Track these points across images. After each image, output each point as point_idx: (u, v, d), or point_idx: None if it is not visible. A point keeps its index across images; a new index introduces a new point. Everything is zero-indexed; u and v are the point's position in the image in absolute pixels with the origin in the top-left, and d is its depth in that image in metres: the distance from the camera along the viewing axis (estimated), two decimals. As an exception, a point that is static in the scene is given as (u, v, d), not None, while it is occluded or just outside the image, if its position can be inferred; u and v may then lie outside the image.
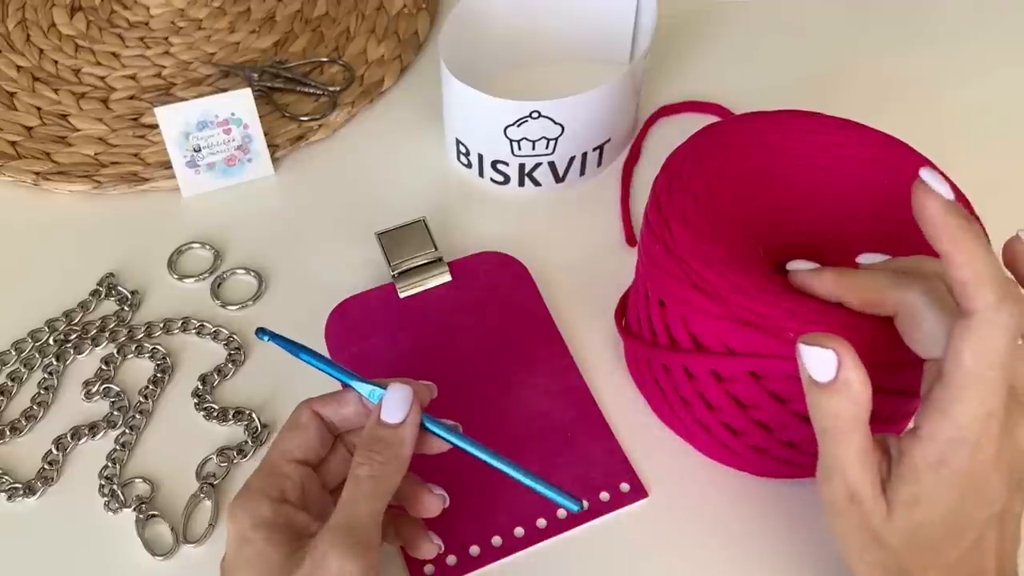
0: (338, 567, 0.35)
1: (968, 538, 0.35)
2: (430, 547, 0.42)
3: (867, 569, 0.36)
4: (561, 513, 0.45)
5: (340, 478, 0.41)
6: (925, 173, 0.33)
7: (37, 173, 0.59)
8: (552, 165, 0.57)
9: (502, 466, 0.40)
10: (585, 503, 0.39)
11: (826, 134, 0.46)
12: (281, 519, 0.37)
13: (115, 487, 0.46)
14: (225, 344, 0.52)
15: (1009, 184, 0.58)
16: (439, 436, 0.40)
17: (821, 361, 0.34)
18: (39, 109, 0.63)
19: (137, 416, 0.49)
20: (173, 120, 0.56)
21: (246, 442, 0.48)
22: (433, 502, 0.41)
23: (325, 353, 0.51)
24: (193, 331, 0.52)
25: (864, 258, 0.39)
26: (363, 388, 0.40)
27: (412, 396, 0.39)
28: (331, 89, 0.63)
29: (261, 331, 0.41)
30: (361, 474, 0.37)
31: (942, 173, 0.34)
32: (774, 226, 0.44)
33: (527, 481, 0.39)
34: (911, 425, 0.35)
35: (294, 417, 0.40)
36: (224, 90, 0.58)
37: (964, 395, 0.32)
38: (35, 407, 0.50)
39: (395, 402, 0.39)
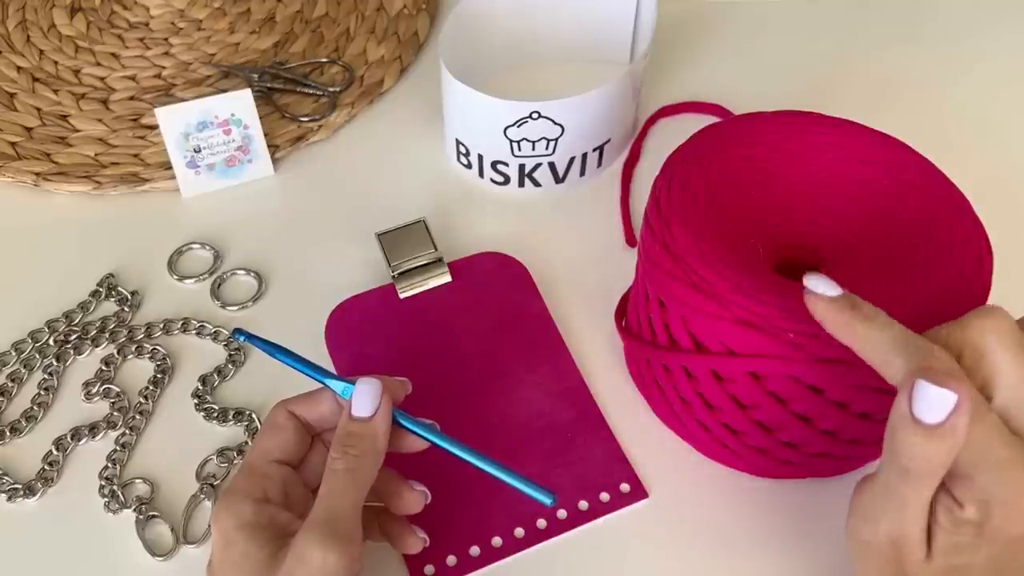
0: (320, 559, 0.35)
1: None
2: (415, 541, 0.42)
3: None
4: (561, 513, 0.45)
5: (321, 477, 0.41)
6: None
7: (37, 174, 0.59)
8: (552, 166, 0.57)
9: (476, 461, 0.40)
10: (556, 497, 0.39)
11: (826, 134, 0.46)
12: (264, 519, 0.37)
13: (115, 487, 0.46)
14: (225, 345, 0.52)
15: (1009, 182, 0.58)
16: (412, 432, 0.40)
17: (938, 402, 0.30)
18: (39, 110, 0.63)
19: (137, 417, 0.49)
20: (173, 121, 0.56)
21: (246, 443, 0.48)
22: (414, 498, 0.41)
23: (325, 353, 0.51)
24: (193, 332, 0.52)
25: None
26: (336, 386, 0.40)
27: (380, 390, 0.39)
28: (331, 90, 0.63)
29: (237, 331, 0.42)
30: (337, 468, 0.37)
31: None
32: (774, 226, 0.44)
33: (501, 476, 0.39)
34: None
35: (271, 418, 0.40)
36: (224, 91, 0.58)
37: None
38: (35, 408, 0.50)
39: (364, 396, 0.39)
